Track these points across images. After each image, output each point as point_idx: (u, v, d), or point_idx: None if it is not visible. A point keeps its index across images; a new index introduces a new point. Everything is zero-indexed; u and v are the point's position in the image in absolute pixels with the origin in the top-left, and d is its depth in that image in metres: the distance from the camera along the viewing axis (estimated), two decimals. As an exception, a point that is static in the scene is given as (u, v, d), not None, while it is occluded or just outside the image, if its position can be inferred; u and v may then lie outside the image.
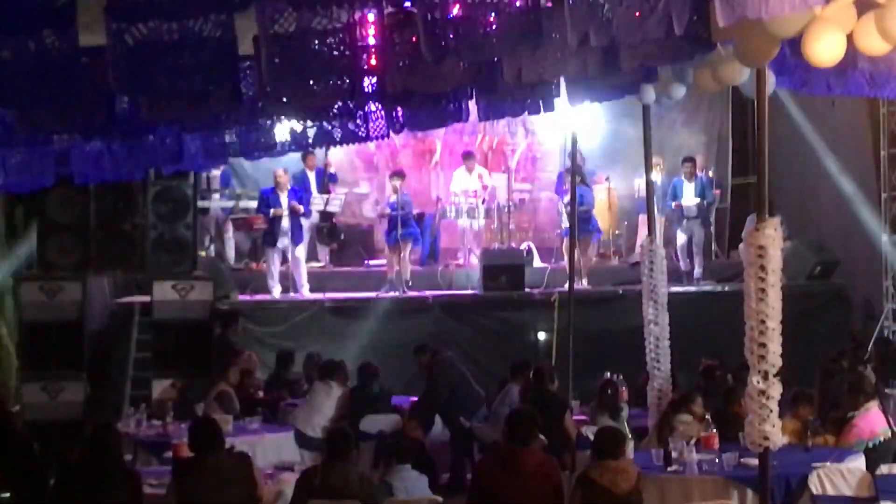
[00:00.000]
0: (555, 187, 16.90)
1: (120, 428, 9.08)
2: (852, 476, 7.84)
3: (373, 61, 6.23)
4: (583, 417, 10.75)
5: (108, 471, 7.17)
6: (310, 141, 8.71)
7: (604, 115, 15.74)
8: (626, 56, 6.71)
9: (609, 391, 10.38)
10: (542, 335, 14.69)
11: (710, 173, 16.95)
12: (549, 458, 7.42)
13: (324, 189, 16.15)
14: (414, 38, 6.05)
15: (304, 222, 15.48)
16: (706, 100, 17.31)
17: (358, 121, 8.16)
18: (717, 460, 7.99)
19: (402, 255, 15.24)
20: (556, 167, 17.30)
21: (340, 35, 5.98)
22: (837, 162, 15.60)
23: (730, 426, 8.52)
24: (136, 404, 11.29)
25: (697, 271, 16.05)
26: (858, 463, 8.13)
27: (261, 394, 12.17)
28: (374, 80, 6.52)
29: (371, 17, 6.12)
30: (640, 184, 15.81)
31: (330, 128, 8.33)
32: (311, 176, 16.11)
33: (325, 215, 16.07)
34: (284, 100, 6.63)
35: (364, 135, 8.32)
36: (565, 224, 15.61)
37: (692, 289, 15.55)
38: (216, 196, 16.03)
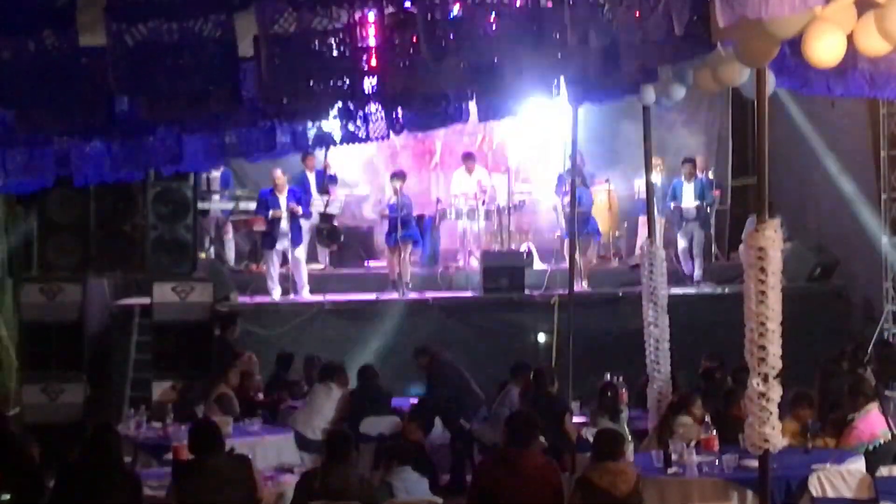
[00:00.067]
0: (555, 188, 16.89)
1: (120, 430, 9.08)
2: (852, 478, 7.83)
3: (373, 61, 6.23)
4: (583, 419, 10.74)
5: (108, 472, 7.17)
6: (310, 141, 8.71)
7: (604, 115, 15.72)
8: (626, 56, 6.70)
9: (609, 393, 10.37)
10: (542, 337, 14.68)
11: (710, 174, 16.94)
12: (549, 460, 7.42)
13: (324, 190, 16.14)
14: (414, 38, 6.05)
15: (304, 224, 15.47)
16: (706, 100, 17.30)
17: (358, 121, 8.15)
18: (716, 462, 7.98)
19: (402, 256, 15.24)
20: (557, 168, 17.30)
21: (340, 35, 5.98)
22: (837, 163, 15.59)
23: (730, 428, 8.50)
24: (136, 406, 11.29)
25: (697, 273, 16.04)
26: (858, 465, 8.12)
27: (261, 396, 12.17)
28: (374, 80, 6.51)
29: (371, 17, 6.12)
30: (640, 185, 15.80)
31: (330, 128, 8.34)
32: (311, 177, 16.10)
33: (326, 217, 16.07)
34: (284, 100, 6.63)
35: (364, 135, 8.31)
36: (562, 225, 15.65)
37: (692, 291, 15.53)
38: (216, 197, 16.02)
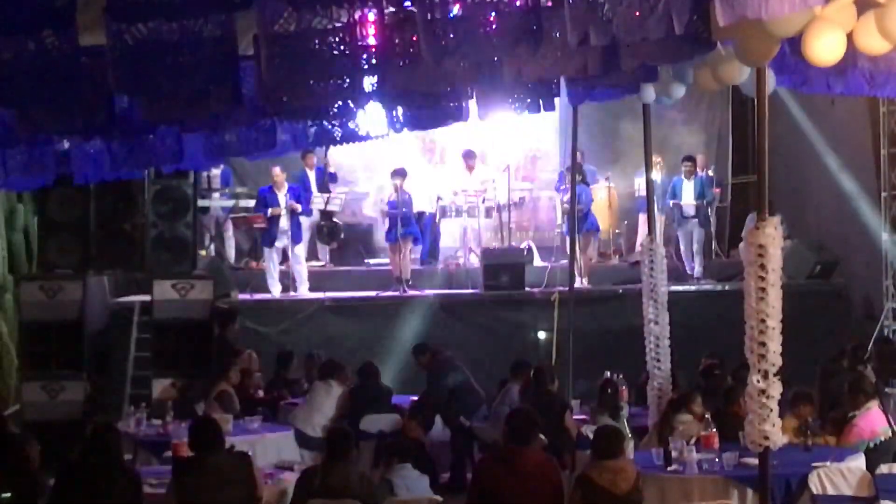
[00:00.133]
0: (555, 185, 16.91)
1: (120, 427, 9.06)
2: (852, 475, 7.83)
3: (373, 61, 6.23)
4: (583, 417, 10.75)
5: (108, 470, 7.17)
6: (310, 140, 8.72)
7: (604, 113, 15.73)
8: (626, 56, 6.71)
9: (609, 390, 10.37)
10: (542, 334, 14.69)
11: (710, 172, 16.95)
12: (549, 457, 7.41)
13: (324, 188, 16.15)
14: (414, 38, 6.05)
15: (304, 221, 15.48)
16: (706, 98, 17.32)
17: (358, 120, 8.16)
18: (717, 460, 7.98)
19: (402, 253, 15.24)
20: (557, 166, 17.31)
21: (340, 35, 5.98)
22: (837, 161, 15.60)
23: (730, 426, 8.51)
24: (136, 404, 11.28)
25: (697, 270, 16.06)
26: (858, 462, 8.12)
27: (261, 393, 12.17)
28: (374, 79, 6.52)
29: (371, 16, 6.12)
30: (640, 183, 15.82)
31: (330, 127, 8.35)
32: (311, 175, 16.11)
33: (326, 214, 16.07)
34: (284, 99, 6.64)
35: (364, 134, 8.33)
36: (560, 221, 15.67)
37: (692, 288, 15.55)
38: (216, 195, 16.04)
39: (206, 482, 7.06)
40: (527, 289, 15.09)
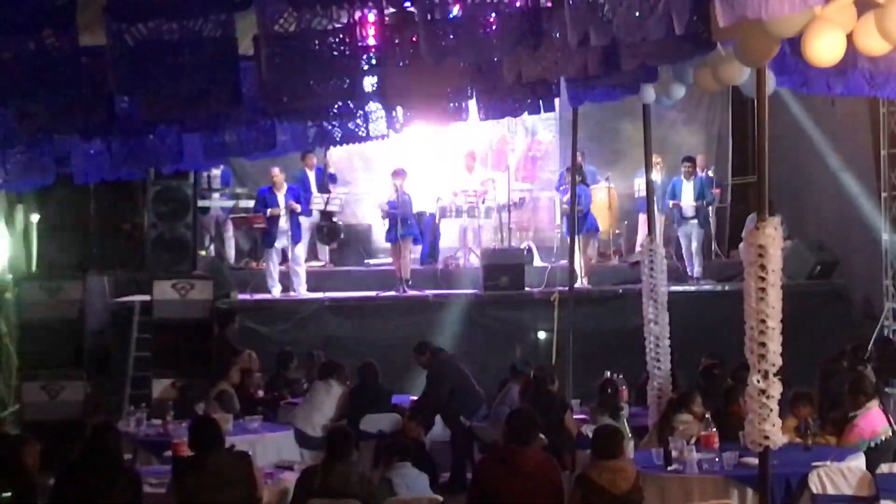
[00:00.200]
0: (555, 185, 16.91)
1: (120, 427, 9.07)
2: (852, 475, 7.83)
3: (373, 61, 6.23)
4: (583, 417, 10.75)
5: (108, 470, 7.17)
6: (310, 141, 8.71)
7: (604, 114, 15.72)
8: (626, 56, 6.71)
9: (609, 390, 10.38)
10: (542, 334, 14.69)
11: (710, 172, 16.96)
12: (549, 457, 7.40)
13: (324, 188, 16.16)
14: (414, 38, 6.05)
15: (304, 221, 15.49)
16: (706, 99, 17.33)
17: (358, 121, 8.16)
18: (717, 459, 7.98)
19: (402, 253, 15.25)
20: (557, 166, 17.31)
21: (340, 35, 5.98)
22: (837, 161, 15.61)
23: (730, 425, 8.51)
24: (136, 403, 11.29)
25: (697, 270, 16.07)
26: (858, 462, 8.12)
27: (261, 393, 12.17)
28: (374, 80, 6.52)
29: (371, 17, 6.12)
30: (640, 183, 15.81)
31: (330, 128, 8.34)
32: (311, 175, 16.12)
33: (326, 215, 16.08)
34: (284, 100, 6.64)
35: (364, 135, 8.32)
36: (558, 221, 15.67)
37: (692, 288, 15.55)
38: (216, 195, 16.03)
39: (206, 482, 7.06)
40: (527, 289, 15.10)
